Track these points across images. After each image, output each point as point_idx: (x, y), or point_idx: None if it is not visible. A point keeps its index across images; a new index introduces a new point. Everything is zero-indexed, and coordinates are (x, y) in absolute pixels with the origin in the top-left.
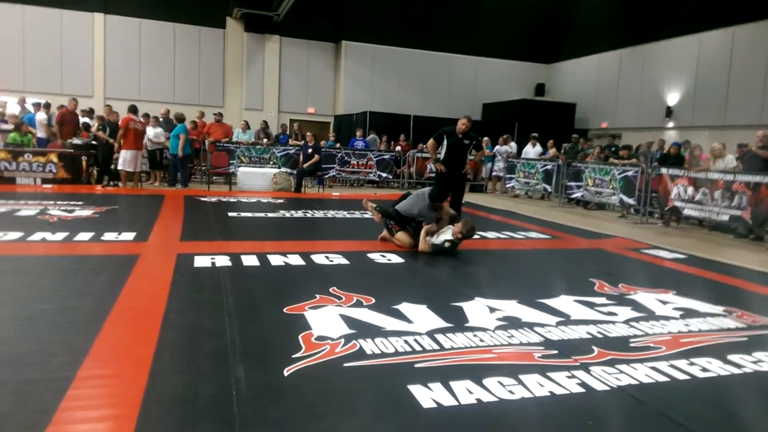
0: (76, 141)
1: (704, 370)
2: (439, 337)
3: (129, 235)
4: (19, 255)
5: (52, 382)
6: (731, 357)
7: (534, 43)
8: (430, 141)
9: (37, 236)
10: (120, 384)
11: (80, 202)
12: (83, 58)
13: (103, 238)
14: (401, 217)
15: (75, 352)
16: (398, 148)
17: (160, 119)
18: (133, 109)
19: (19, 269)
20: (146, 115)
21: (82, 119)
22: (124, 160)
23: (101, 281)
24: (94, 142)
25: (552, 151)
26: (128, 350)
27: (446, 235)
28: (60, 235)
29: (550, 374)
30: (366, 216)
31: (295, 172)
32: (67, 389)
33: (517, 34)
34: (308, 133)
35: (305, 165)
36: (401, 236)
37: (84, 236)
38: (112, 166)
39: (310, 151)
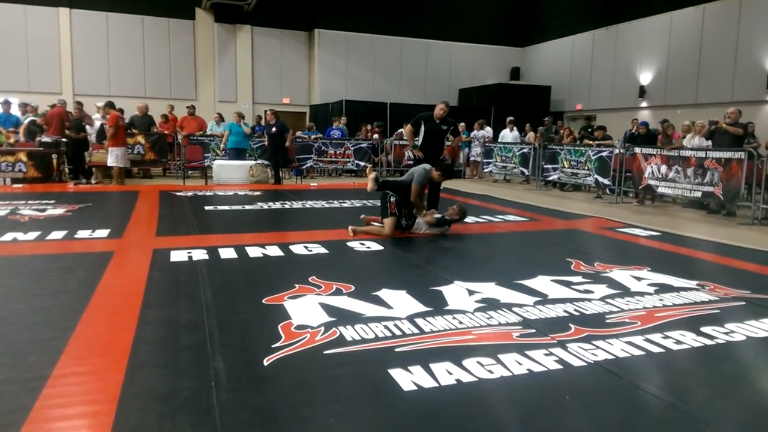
0: (46, 139)
1: (678, 342)
2: (419, 321)
3: (103, 232)
4: None
5: (27, 382)
6: (704, 329)
7: (508, 27)
8: (408, 127)
9: (8, 236)
10: (97, 381)
11: (52, 201)
12: (50, 54)
13: (76, 236)
14: (397, 188)
15: (50, 351)
16: (375, 135)
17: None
18: (112, 105)
19: None
20: (121, 110)
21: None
22: (117, 156)
23: (75, 279)
24: (64, 140)
25: (531, 135)
26: (105, 347)
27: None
28: (32, 235)
29: (528, 352)
30: (344, 205)
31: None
32: (43, 388)
33: (492, 18)
34: (268, 111)
35: (287, 144)
36: (388, 222)
37: (57, 235)
38: (86, 165)
39: (274, 130)
